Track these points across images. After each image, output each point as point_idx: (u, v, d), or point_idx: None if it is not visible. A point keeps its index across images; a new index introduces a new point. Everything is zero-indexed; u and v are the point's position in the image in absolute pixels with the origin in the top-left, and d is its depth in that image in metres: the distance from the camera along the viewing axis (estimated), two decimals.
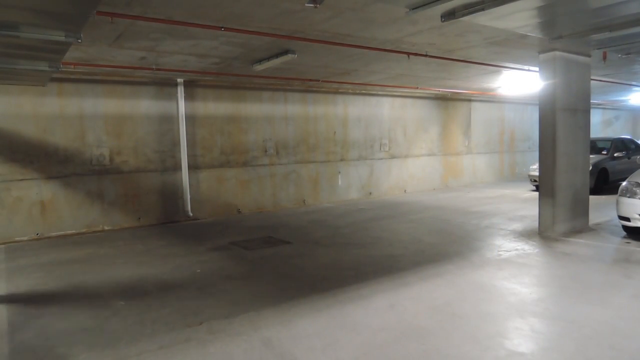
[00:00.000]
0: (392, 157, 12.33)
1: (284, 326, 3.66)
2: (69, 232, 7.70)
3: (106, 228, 8.05)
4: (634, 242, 6.16)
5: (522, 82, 10.73)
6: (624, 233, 6.64)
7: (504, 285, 4.57)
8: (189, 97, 8.85)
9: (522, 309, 3.91)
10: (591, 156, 8.32)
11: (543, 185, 6.94)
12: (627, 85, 11.94)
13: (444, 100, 13.40)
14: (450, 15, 4.60)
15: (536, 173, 9.59)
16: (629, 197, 6.24)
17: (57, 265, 5.75)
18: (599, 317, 3.68)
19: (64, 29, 3.61)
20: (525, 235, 6.81)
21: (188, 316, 3.94)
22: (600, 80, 10.34)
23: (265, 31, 5.45)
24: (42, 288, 4.85)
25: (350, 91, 11.11)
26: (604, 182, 11.24)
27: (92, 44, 5.82)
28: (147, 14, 4.64)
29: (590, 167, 8.19)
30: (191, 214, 8.92)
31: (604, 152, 11.68)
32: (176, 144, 8.78)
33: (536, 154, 8.35)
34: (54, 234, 7.56)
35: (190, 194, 8.90)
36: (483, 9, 4.22)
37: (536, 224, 7.15)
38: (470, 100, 14.10)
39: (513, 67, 8.46)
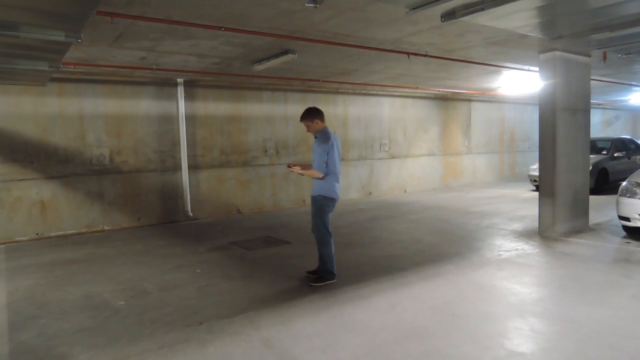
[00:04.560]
0: (392, 157, 12.33)
1: (284, 326, 3.66)
2: (69, 232, 7.70)
3: (106, 228, 8.05)
4: (634, 242, 6.16)
5: (522, 82, 10.73)
6: (624, 233, 6.64)
7: (504, 285, 4.57)
8: (189, 97, 8.85)
9: (522, 309, 3.91)
10: (591, 156, 8.32)
11: (543, 185, 6.94)
12: (627, 85, 11.94)
13: (444, 100, 13.40)
14: (450, 15, 4.59)
15: (536, 173, 9.59)
16: (629, 197, 6.24)
17: (57, 265, 5.75)
18: (599, 317, 3.68)
19: (64, 29, 3.61)
20: (525, 235, 6.81)
21: (188, 316, 3.94)
22: (600, 80, 10.34)
23: (265, 31, 5.45)
24: (42, 288, 4.85)
25: (350, 91, 11.11)
26: (604, 182, 11.24)
27: (92, 44, 5.82)
28: (147, 14, 4.63)
29: (590, 167, 8.19)
30: (191, 214, 8.92)
31: (604, 152, 11.68)
32: (176, 144, 8.78)
33: (536, 154, 8.34)
34: (54, 233, 7.56)
35: (190, 194, 8.90)
36: (483, 9, 4.21)
37: (536, 224, 7.15)
38: (470, 100, 14.10)
39: (513, 67, 8.46)
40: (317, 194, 4.67)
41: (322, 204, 4.67)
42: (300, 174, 4.69)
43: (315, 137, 4.77)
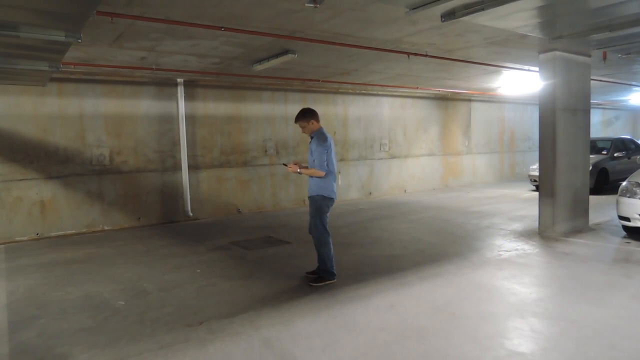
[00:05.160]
0: (392, 157, 12.33)
1: (284, 326, 3.66)
2: (69, 232, 7.70)
3: (106, 228, 8.05)
4: (634, 242, 6.16)
5: (522, 82, 10.73)
6: (624, 233, 6.64)
7: (504, 285, 4.57)
8: (189, 97, 8.85)
9: (522, 309, 3.91)
10: (591, 156, 8.32)
11: (543, 185, 6.94)
12: (627, 85, 11.94)
13: (444, 100, 13.40)
14: (450, 15, 4.59)
15: (536, 173, 9.59)
16: (629, 197, 6.24)
17: (57, 265, 5.75)
18: (599, 317, 3.68)
19: (64, 29, 3.61)
20: (525, 235, 6.81)
21: (188, 316, 3.95)
22: (600, 80, 10.34)
23: (265, 31, 5.45)
24: (42, 288, 4.85)
25: (350, 91, 11.12)
26: (604, 182, 11.24)
27: (92, 44, 5.82)
28: (147, 14, 4.64)
29: (590, 167, 8.19)
30: (191, 214, 8.92)
31: (604, 152, 11.68)
32: (176, 144, 8.78)
33: (536, 154, 8.34)
34: (54, 234, 7.56)
35: (190, 194, 8.90)
36: (483, 9, 4.21)
37: (536, 224, 7.15)
38: (470, 100, 14.10)
39: (513, 67, 8.46)
40: (316, 194, 4.67)
41: (321, 204, 4.67)
42: (298, 172, 4.69)
43: (312, 138, 4.76)
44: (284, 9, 4.62)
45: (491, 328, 3.55)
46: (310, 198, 4.73)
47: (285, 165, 4.82)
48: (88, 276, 5.25)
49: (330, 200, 4.71)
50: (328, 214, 4.75)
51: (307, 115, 4.73)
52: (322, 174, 4.60)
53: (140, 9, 4.47)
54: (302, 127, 4.78)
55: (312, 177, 4.69)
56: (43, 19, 3.34)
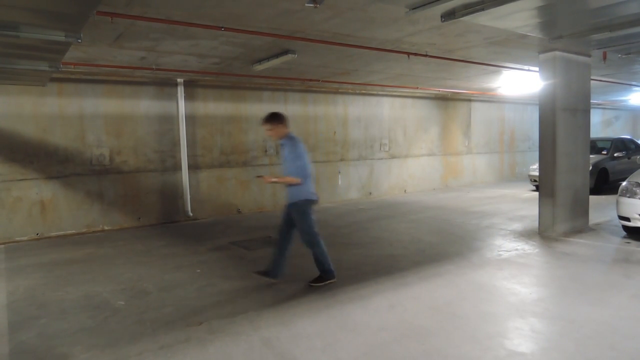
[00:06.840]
0: (392, 157, 12.33)
1: (284, 326, 3.66)
2: (69, 232, 7.70)
3: (106, 228, 8.05)
4: (634, 242, 6.16)
5: (522, 82, 10.73)
6: (624, 233, 6.64)
7: (504, 285, 4.57)
8: (189, 97, 8.85)
9: (522, 309, 3.91)
10: (591, 156, 8.32)
11: (543, 185, 6.94)
12: (627, 85, 11.94)
13: (444, 100, 13.40)
14: (450, 15, 4.60)
15: (536, 173, 9.59)
16: (629, 197, 6.24)
17: (57, 265, 5.75)
18: (599, 317, 3.68)
19: (64, 29, 3.62)
20: (525, 235, 6.81)
21: (188, 316, 3.95)
22: (600, 80, 10.34)
23: (265, 31, 5.45)
24: (42, 288, 4.85)
25: (350, 91, 11.11)
26: (604, 182, 11.24)
27: (92, 44, 5.82)
28: (147, 14, 4.64)
29: (590, 167, 8.18)
30: (191, 214, 8.92)
31: (604, 152, 11.68)
32: (176, 144, 8.78)
33: (536, 154, 8.34)
34: (54, 234, 7.56)
35: (190, 194, 8.90)
36: (483, 9, 4.22)
37: (536, 224, 7.15)
38: (470, 100, 14.10)
39: (513, 67, 8.46)
40: (298, 199, 4.53)
41: (305, 209, 4.56)
42: (274, 181, 4.65)
43: (282, 144, 4.62)
44: (284, 9, 4.63)
45: (491, 328, 3.55)
46: (293, 205, 4.58)
47: (260, 177, 4.75)
48: (88, 276, 5.25)
49: (314, 202, 4.63)
50: (313, 215, 4.65)
51: (275, 118, 4.56)
52: (299, 181, 4.47)
53: (140, 9, 4.47)
54: (269, 130, 4.59)
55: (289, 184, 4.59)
56: (43, 19, 3.34)
